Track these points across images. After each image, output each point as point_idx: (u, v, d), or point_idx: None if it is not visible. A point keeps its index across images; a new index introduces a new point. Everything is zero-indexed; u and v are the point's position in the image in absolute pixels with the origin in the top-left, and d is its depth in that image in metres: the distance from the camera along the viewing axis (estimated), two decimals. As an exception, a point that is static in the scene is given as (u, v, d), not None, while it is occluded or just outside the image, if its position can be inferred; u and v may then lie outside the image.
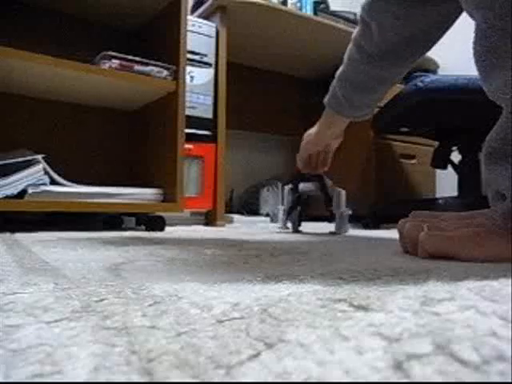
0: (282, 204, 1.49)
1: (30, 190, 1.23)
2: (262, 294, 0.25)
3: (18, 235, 1.10)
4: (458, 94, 1.49)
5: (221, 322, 0.21)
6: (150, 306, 0.24)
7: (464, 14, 2.20)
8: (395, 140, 2.16)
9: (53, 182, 1.31)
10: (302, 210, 1.45)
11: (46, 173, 1.31)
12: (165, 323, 0.21)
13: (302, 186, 1.45)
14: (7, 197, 1.21)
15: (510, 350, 0.18)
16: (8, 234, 1.13)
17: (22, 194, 1.23)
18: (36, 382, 0.21)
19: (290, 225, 1.46)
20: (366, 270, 0.59)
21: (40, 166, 1.29)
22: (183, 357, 0.18)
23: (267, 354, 0.19)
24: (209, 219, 1.79)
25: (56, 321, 0.23)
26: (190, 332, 0.20)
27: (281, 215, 1.47)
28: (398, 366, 0.17)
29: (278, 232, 1.39)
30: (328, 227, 1.52)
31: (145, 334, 0.20)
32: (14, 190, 1.23)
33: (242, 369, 0.18)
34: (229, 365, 0.18)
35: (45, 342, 0.21)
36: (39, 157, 1.31)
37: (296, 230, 1.44)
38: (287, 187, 1.46)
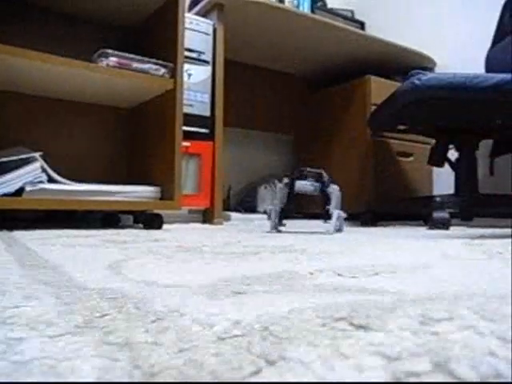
0: (274, 202, 1.38)
1: (27, 188, 1.23)
2: (262, 311, 0.25)
3: (16, 233, 1.10)
4: (455, 91, 1.49)
5: (222, 339, 0.21)
6: (153, 322, 0.24)
7: (461, 13, 2.22)
8: (392, 138, 2.16)
9: (50, 180, 1.31)
10: (290, 208, 1.37)
11: (44, 170, 1.30)
12: (167, 339, 0.22)
13: (299, 184, 1.36)
14: (5, 195, 1.20)
15: (509, 369, 0.18)
16: (6, 232, 1.13)
17: (20, 191, 1.23)
18: (35, 382, 0.21)
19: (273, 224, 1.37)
20: (365, 266, 0.60)
21: (37, 164, 1.29)
22: (185, 372, 0.19)
23: (268, 370, 0.19)
24: (206, 217, 1.79)
25: (59, 335, 0.23)
26: (192, 348, 0.21)
27: (272, 216, 1.35)
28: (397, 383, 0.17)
29: (268, 233, 1.28)
30: (321, 226, 1.52)
31: (147, 349, 0.21)
32: (12, 188, 1.23)
33: (244, 384, 0.18)
34: (231, 381, 0.19)
35: (48, 355, 0.21)
36: (37, 154, 1.30)
37: (276, 228, 1.35)
38: (280, 183, 1.37)
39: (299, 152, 2.58)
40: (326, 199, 1.36)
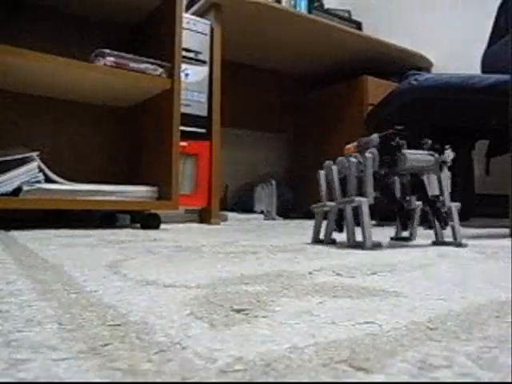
0: (331, 196, 0.91)
1: (24, 188, 1.23)
2: (264, 349, 0.26)
3: (14, 233, 1.10)
4: (452, 92, 1.50)
5: (225, 372, 0.22)
6: (156, 353, 0.25)
7: (458, 14, 2.22)
8: (389, 138, 2.16)
9: (48, 180, 1.31)
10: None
11: (41, 170, 1.30)
12: (171, 369, 0.22)
13: (412, 155, 0.87)
14: (2, 195, 1.20)
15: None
16: (3, 232, 1.12)
17: (17, 191, 1.23)
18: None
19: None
20: (363, 266, 0.60)
21: (35, 164, 1.29)
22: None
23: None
24: (203, 217, 1.79)
25: (64, 359, 0.24)
26: (195, 378, 0.21)
27: (330, 219, 0.91)
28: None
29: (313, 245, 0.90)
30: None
31: (152, 376, 0.21)
32: (9, 188, 1.22)
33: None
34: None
35: (54, 375, 0.21)
36: (34, 154, 1.30)
37: (353, 242, 0.85)
38: (369, 154, 0.86)
39: (296, 152, 2.58)
40: (420, 182, 0.91)
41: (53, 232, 1.17)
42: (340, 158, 0.91)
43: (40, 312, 0.34)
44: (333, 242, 0.92)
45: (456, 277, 0.53)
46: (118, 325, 0.31)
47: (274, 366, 0.23)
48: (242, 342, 0.27)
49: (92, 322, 0.32)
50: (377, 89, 2.10)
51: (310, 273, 0.55)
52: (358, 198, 0.83)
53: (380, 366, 0.23)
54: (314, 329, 0.30)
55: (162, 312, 0.35)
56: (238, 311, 0.35)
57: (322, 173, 0.95)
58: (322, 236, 0.95)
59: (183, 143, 1.61)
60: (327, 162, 0.94)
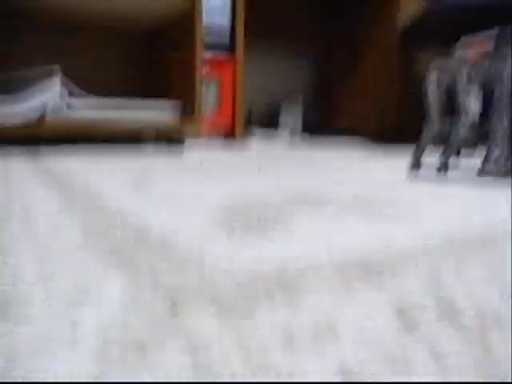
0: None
1: (49, 111, 1.20)
2: (281, 258, 0.26)
3: (39, 156, 1.11)
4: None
5: (242, 284, 0.22)
6: (177, 264, 0.25)
7: None
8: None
9: (71, 94, 1.29)
10: None
11: (64, 84, 1.28)
12: (190, 280, 0.23)
13: None
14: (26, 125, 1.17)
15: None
16: (30, 156, 1.13)
17: (42, 118, 1.20)
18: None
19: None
20: (385, 184, 0.59)
21: (57, 78, 1.27)
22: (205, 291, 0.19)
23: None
24: (227, 140, 1.76)
25: (88, 258, 0.24)
26: (213, 289, 0.22)
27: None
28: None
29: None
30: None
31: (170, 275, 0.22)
32: (33, 104, 1.20)
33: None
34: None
35: (80, 272, 0.21)
36: (56, 66, 1.28)
37: None
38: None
39: (323, 71, 2.46)
40: None
41: (77, 158, 1.18)
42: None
43: (66, 219, 0.35)
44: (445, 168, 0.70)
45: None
46: (141, 231, 0.31)
47: (290, 274, 0.23)
48: (260, 252, 0.27)
49: (115, 228, 0.32)
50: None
51: (329, 187, 0.54)
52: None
53: (392, 271, 0.23)
54: (330, 238, 0.30)
55: (184, 222, 0.35)
56: (258, 222, 0.35)
57: (431, 78, 0.68)
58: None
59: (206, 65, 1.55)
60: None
